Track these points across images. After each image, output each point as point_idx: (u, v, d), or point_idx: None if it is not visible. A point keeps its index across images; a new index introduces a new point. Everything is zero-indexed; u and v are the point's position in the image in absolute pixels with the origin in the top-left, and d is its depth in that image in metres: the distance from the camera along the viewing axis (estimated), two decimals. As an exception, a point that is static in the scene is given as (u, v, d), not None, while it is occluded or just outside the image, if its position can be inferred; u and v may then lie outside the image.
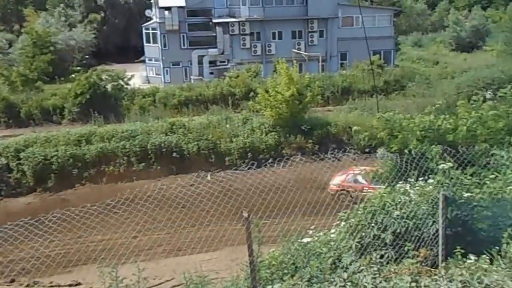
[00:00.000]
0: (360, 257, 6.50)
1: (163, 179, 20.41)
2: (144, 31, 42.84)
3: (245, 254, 5.99)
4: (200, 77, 39.20)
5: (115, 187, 20.07)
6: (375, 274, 5.77)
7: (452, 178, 7.34)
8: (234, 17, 40.72)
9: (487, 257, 5.92)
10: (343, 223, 7.32)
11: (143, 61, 44.62)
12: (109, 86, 31.07)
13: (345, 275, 5.88)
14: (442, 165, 7.64)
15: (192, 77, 39.85)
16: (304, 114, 24.69)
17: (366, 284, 5.59)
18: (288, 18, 41.10)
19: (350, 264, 6.30)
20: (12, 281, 12.37)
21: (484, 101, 11.88)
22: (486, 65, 33.63)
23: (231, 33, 40.67)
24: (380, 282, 5.59)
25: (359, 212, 7.06)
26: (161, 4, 39.40)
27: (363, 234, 6.74)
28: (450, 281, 5.36)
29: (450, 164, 7.67)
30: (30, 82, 33.58)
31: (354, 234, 6.81)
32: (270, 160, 16.77)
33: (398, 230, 6.58)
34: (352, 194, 13.32)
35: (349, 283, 5.70)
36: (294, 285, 6.07)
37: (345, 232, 7.09)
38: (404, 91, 33.14)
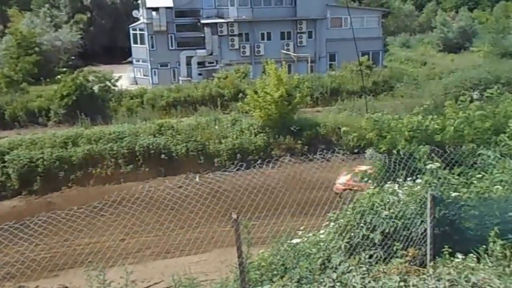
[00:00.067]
0: (349, 257, 6.52)
1: (152, 181, 20.28)
2: (131, 31, 42.56)
3: (235, 255, 5.97)
4: (189, 78, 39.04)
5: (102, 190, 19.90)
6: (364, 274, 5.79)
7: (439, 178, 7.38)
8: (222, 17, 40.65)
9: (474, 256, 5.98)
10: (332, 223, 7.33)
11: (131, 62, 44.33)
12: (96, 88, 30.80)
13: (334, 275, 5.90)
14: (430, 165, 7.68)
15: (180, 78, 39.68)
16: (293, 115, 24.73)
17: (355, 284, 5.60)
18: (277, 19, 41.15)
19: (340, 265, 6.32)
20: (-3, 285, 12.17)
21: (471, 101, 11.99)
22: (473, 65, 34.04)
23: (219, 33, 40.60)
24: (369, 282, 5.61)
25: (348, 212, 7.08)
26: (148, 5, 39.16)
27: (352, 234, 6.75)
28: (438, 280, 5.41)
29: (437, 164, 7.72)
30: (15, 83, 33.19)
31: (343, 234, 6.82)
32: (259, 161, 16.78)
33: (386, 230, 6.60)
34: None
35: (338, 283, 5.71)
36: (283, 286, 6.06)
37: (334, 232, 7.10)
38: (392, 92, 33.40)
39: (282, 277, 6.43)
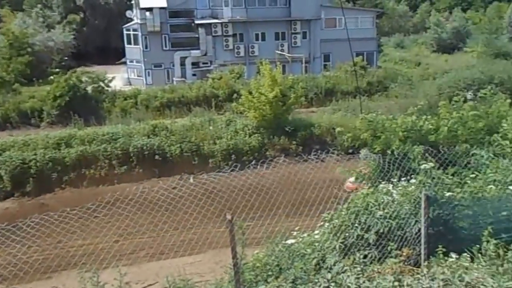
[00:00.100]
0: (343, 258, 6.52)
1: (146, 182, 20.20)
2: (125, 32, 42.39)
3: (229, 256, 5.96)
4: (183, 79, 38.95)
5: (96, 191, 19.83)
6: (358, 274, 5.79)
7: (433, 178, 7.40)
8: (216, 18, 40.60)
9: (468, 255, 6.00)
10: (326, 224, 7.33)
11: (124, 63, 44.15)
12: (89, 88, 30.64)
13: (329, 275, 5.89)
14: (424, 165, 7.70)
15: (174, 78, 39.58)
16: (288, 116, 24.74)
17: (349, 284, 5.60)
18: (271, 19, 41.16)
19: (334, 265, 6.32)
20: (-11, 288, 12.07)
21: (465, 101, 12.03)
22: (466, 66, 34.21)
23: (213, 34, 40.54)
24: (364, 282, 5.61)
25: (342, 212, 7.08)
26: (142, 5, 39.03)
27: (347, 234, 6.76)
28: (432, 280, 5.42)
29: (431, 164, 7.74)
30: (7, 84, 32.95)
31: (338, 234, 6.82)
32: (253, 162, 16.75)
33: (381, 230, 6.61)
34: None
35: (332, 284, 5.71)
36: (278, 286, 6.05)
37: (329, 232, 7.10)
38: (387, 92, 33.53)
39: (277, 277, 6.42)
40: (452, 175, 7.97)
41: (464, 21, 61.21)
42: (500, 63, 33.71)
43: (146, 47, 40.25)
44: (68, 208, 7.77)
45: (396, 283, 5.46)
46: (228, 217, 5.88)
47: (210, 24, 40.24)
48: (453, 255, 6.07)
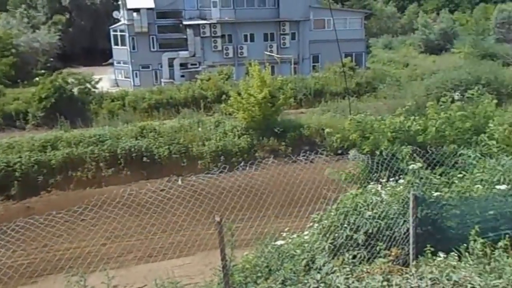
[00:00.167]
0: (333, 258, 6.53)
1: (134, 184, 20.01)
2: (112, 33, 42.07)
3: (219, 258, 5.94)
4: (171, 80, 38.77)
5: (83, 194, 19.61)
6: (347, 275, 5.81)
7: (422, 178, 7.45)
8: (205, 19, 40.50)
9: (456, 254, 6.04)
10: (316, 224, 7.33)
11: (111, 64, 43.81)
12: (75, 90, 30.27)
13: (318, 276, 5.91)
14: (412, 165, 7.74)
15: (162, 80, 39.39)
16: (277, 117, 24.74)
17: (339, 285, 5.62)
18: (260, 20, 41.18)
19: (324, 265, 6.33)
20: (-28, 294, 11.85)
21: (452, 102, 12.14)
22: (454, 67, 34.51)
23: (202, 35, 40.43)
24: (353, 282, 5.63)
25: (331, 213, 7.09)
26: (129, 6, 38.76)
27: (336, 235, 6.76)
28: (421, 279, 5.45)
29: (419, 164, 7.79)
30: (-9, 86, 32.48)
31: (327, 235, 6.83)
32: (242, 163, 16.71)
33: (370, 230, 6.63)
34: None
35: (322, 284, 5.72)
36: (268, 288, 6.03)
37: (318, 233, 7.11)
38: (375, 93, 33.71)
39: (266, 279, 6.40)
40: (440, 175, 8.03)
41: (451, 22, 61.81)
42: (487, 64, 34.09)
43: (134, 48, 39.99)
44: (54, 211, 7.65)
45: (385, 283, 5.49)
46: (217, 218, 5.86)
47: (198, 25, 40.12)
48: (441, 254, 6.12)
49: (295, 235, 7.83)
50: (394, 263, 6.25)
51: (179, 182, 18.47)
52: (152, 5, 39.06)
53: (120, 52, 41.38)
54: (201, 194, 9.04)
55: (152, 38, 39.99)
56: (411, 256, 6.49)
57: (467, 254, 6.08)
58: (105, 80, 38.93)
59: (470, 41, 48.78)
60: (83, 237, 11.30)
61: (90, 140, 22.14)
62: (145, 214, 9.15)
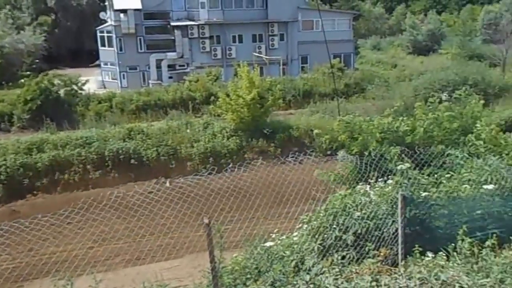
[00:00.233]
0: (322, 259, 6.53)
1: (121, 187, 19.86)
2: (98, 34, 41.76)
3: (208, 260, 5.90)
4: (159, 82, 38.57)
5: (70, 196, 19.40)
6: (337, 275, 5.80)
7: (410, 178, 7.48)
8: (193, 20, 40.38)
9: (444, 254, 6.06)
10: (305, 225, 7.32)
11: (98, 66, 43.48)
12: (62, 92, 29.94)
13: (307, 277, 5.89)
14: (400, 165, 7.77)
15: (150, 81, 39.17)
16: (266, 118, 24.72)
17: (328, 285, 5.60)
18: (248, 21, 41.18)
19: (313, 266, 6.32)
20: (-43, 299, 11.64)
21: (440, 102, 12.22)
22: (441, 67, 34.81)
23: (190, 36, 40.30)
24: (342, 283, 5.62)
25: (320, 214, 7.08)
26: (116, 7, 38.49)
27: (325, 236, 6.76)
28: (409, 279, 5.46)
29: (408, 165, 7.82)
30: (-26, 88, 32.01)
31: (316, 236, 6.82)
32: (231, 165, 16.66)
33: (359, 231, 6.64)
34: None
35: (311, 285, 5.71)
36: (257, 289, 5.99)
37: (307, 234, 7.10)
38: (364, 94, 33.88)
39: (256, 280, 6.37)
40: (428, 175, 8.07)
41: (439, 23, 62.39)
42: (474, 64, 34.49)
43: (121, 50, 39.72)
44: (40, 214, 7.53)
45: (373, 283, 5.48)
46: (206, 220, 5.82)
47: (186, 26, 40.00)
48: (430, 254, 6.14)
49: (284, 236, 7.81)
50: (383, 263, 6.26)
51: (167, 184, 18.36)
52: (139, 6, 38.84)
53: (107, 53, 41.06)
54: (190, 196, 8.97)
55: (140, 39, 39.75)
56: (399, 256, 6.50)
57: (455, 253, 6.11)
58: (92, 81, 38.51)
59: (457, 42, 49.30)
60: (70, 240, 11.15)
61: (77, 142, 21.92)
62: (133, 216, 9.05)
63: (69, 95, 30.28)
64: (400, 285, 5.38)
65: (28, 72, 39.68)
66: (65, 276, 6.25)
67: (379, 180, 7.95)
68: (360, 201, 7.01)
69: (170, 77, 39.29)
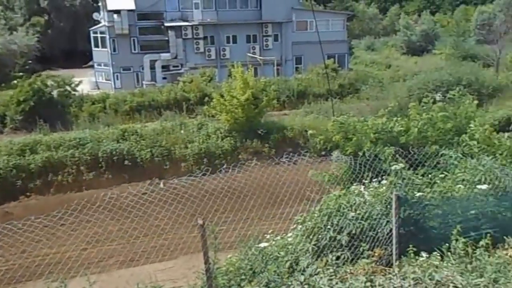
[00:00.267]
0: (316, 260, 6.52)
1: (115, 188, 19.78)
2: (92, 35, 41.58)
3: (202, 261, 5.87)
4: (153, 82, 38.47)
5: (63, 198, 19.29)
6: (331, 276, 5.80)
7: (404, 179, 7.48)
8: (187, 20, 40.31)
9: (438, 254, 6.07)
10: (299, 226, 7.31)
11: (92, 66, 43.30)
12: (55, 93, 29.77)
13: (302, 278, 5.89)
14: (394, 166, 7.77)
15: (144, 82, 39.04)
16: (260, 119, 24.70)
17: (322, 286, 5.60)
18: (242, 22, 41.18)
19: (307, 267, 6.32)
20: (-51, 302, 11.53)
21: (434, 103, 12.26)
22: (435, 68, 35.00)
23: (184, 37, 40.23)
24: (336, 283, 5.62)
25: (315, 214, 7.07)
26: (109, 7, 38.35)
27: (320, 236, 6.75)
28: (404, 279, 5.46)
29: (402, 165, 7.82)
30: (-33, 89, 31.77)
31: (311, 237, 6.81)
32: (226, 165, 16.65)
33: (353, 231, 6.63)
34: None
35: (306, 286, 5.70)
36: (251, 290, 5.98)
37: (301, 235, 7.09)
38: (358, 94, 33.94)
39: (250, 281, 6.35)
40: (422, 175, 8.09)
41: (433, 23, 62.70)
42: (468, 65, 34.70)
43: (114, 50, 39.56)
44: (33, 216, 7.48)
45: (368, 284, 5.48)
46: (200, 221, 5.80)
47: (180, 26, 39.92)
48: (424, 254, 6.15)
49: (278, 237, 7.80)
50: (377, 263, 6.26)
51: (161, 185, 18.29)
52: (133, 7, 38.72)
53: (100, 54, 40.89)
54: (184, 197, 8.93)
55: (133, 40, 39.62)
56: (394, 256, 6.51)
57: (449, 253, 6.12)
58: (85, 82, 38.42)
59: (451, 43, 49.56)
60: (63, 242, 11.08)
61: (70, 144, 21.80)
62: (126, 218, 9.00)
63: (63, 96, 30.12)
64: (395, 285, 5.38)
65: (21, 73, 39.50)
66: (58, 278, 6.22)
67: (374, 180, 7.95)
68: (354, 202, 7.00)
69: (164, 78, 39.20)
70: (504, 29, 40.47)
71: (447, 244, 6.23)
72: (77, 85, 31.83)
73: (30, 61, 45.77)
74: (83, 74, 41.42)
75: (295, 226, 7.53)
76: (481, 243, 6.12)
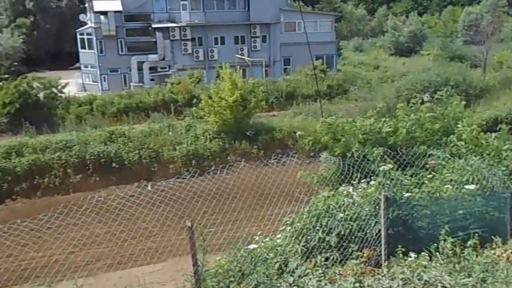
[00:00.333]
0: (305, 261, 6.51)
1: (103, 190, 19.63)
2: (78, 36, 41.19)
3: (191, 264, 5.80)
4: (141, 84, 38.22)
5: (50, 201, 19.08)
6: (320, 277, 5.78)
7: (392, 179, 7.49)
8: (174, 22, 40.14)
9: (427, 254, 6.08)
10: (288, 227, 7.28)
11: (79, 68, 42.91)
12: (41, 95, 29.45)
13: (291, 279, 5.87)
14: (383, 166, 7.78)
15: (132, 84, 38.78)
16: (249, 120, 24.68)
17: (311, 287, 5.56)
18: (230, 23, 41.12)
19: (296, 268, 6.31)
20: None
21: (422, 103, 12.35)
22: (423, 69, 35.26)
23: (171, 38, 40.05)
24: (325, 284, 5.60)
25: (304, 216, 7.05)
26: (96, 9, 38.05)
27: (308, 237, 6.73)
28: (392, 279, 5.45)
29: (390, 166, 7.85)
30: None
31: (300, 238, 6.79)
32: (214, 167, 16.58)
33: (342, 232, 6.63)
34: None
35: (295, 287, 5.65)
36: (240, 292, 5.94)
37: (290, 236, 7.06)
38: (346, 95, 34.06)
39: (239, 283, 6.31)
40: (411, 176, 8.11)
41: (420, 24, 63.25)
42: (455, 65, 35.07)
43: (101, 52, 39.24)
44: (19, 219, 7.35)
45: (357, 284, 5.46)
46: (188, 224, 5.74)
47: (167, 28, 39.73)
48: (412, 254, 6.16)
49: (267, 239, 7.78)
50: (366, 264, 6.25)
51: (149, 188, 18.17)
52: (120, 8, 38.45)
53: (87, 55, 40.53)
54: (172, 199, 8.86)
55: (121, 41, 39.34)
56: (383, 257, 6.51)
57: (437, 253, 6.13)
58: (72, 84, 38.04)
59: (438, 43, 49.98)
60: (50, 245, 10.93)
61: (57, 146, 21.61)
62: (114, 220, 8.90)
63: (49, 98, 29.80)
64: (383, 286, 5.37)
65: (6, 75, 38.76)
66: (44, 282, 6.15)
67: (362, 181, 7.95)
68: (343, 203, 7.00)
69: (152, 80, 38.97)
70: (491, 30, 40.93)
71: (435, 244, 6.24)
72: (63, 87, 31.50)
73: (15, 63, 45.14)
74: (70, 76, 41.03)
75: (284, 227, 7.51)
76: (469, 243, 6.15)
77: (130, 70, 39.33)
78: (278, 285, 5.85)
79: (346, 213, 6.84)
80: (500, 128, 11.76)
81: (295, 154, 17.71)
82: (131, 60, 38.96)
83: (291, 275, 6.07)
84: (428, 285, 5.32)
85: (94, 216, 9.08)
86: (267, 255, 7.00)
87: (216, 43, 41.50)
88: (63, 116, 28.73)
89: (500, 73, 35.36)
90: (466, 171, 7.66)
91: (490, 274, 5.49)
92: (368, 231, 6.69)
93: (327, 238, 6.61)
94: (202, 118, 24.92)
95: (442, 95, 12.92)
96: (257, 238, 7.88)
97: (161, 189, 8.36)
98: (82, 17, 42.41)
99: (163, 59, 39.81)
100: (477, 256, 5.98)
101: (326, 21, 45.69)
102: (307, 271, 6.05)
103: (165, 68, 39.94)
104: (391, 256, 6.39)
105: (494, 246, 6.43)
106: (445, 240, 6.21)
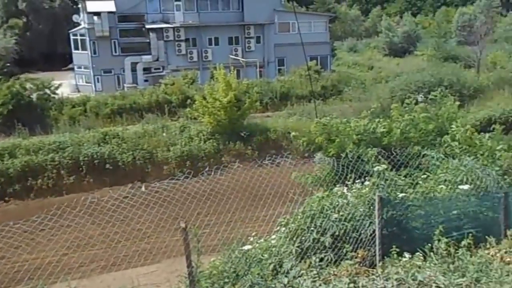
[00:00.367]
0: (300, 262, 6.50)
1: (96, 192, 19.56)
2: (71, 37, 41.02)
3: (185, 265, 5.78)
4: (134, 85, 38.08)
5: (43, 203, 18.98)
6: (314, 278, 5.77)
7: (387, 180, 7.50)
8: (168, 22, 40.05)
9: (421, 254, 6.08)
10: (283, 228, 7.27)
11: (72, 69, 42.71)
12: (34, 96, 29.31)
13: (285, 280, 5.86)
14: (377, 167, 7.79)
15: (125, 85, 38.64)
16: (243, 121, 24.67)
17: (305, 288, 5.55)
18: (224, 24, 41.09)
19: (291, 269, 6.30)
20: None
21: (416, 104, 12.38)
22: (417, 69, 35.36)
23: (165, 39, 39.95)
24: (320, 285, 5.59)
25: (298, 216, 7.04)
26: (89, 9, 37.89)
27: (303, 238, 6.73)
28: (387, 280, 5.45)
29: (384, 166, 7.85)
30: None
31: (294, 239, 6.78)
32: (208, 168, 16.57)
33: (336, 233, 6.62)
34: None
35: (289, 288, 5.65)
36: (235, 294, 5.92)
37: (285, 237, 7.05)
38: (341, 96, 34.13)
39: (234, 284, 6.30)
40: (405, 176, 8.13)
41: (414, 25, 63.46)
42: (449, 66, 35.25)
43: (95, 53, 39.08)
44: (12, 221, 7.30)
45: (351, 285, 5.46)
46: (182, 225, 5.72)
47: (161, 28, 39.64)
48: (407, 254, 6.15)
49: (262, 240, 7.76)
50: (361, 264, 6.25)
51: (143, 189, 18.12)
52: (113, 9, 38.30)
53: (80, 56, 40.36)
54: (166, 200, 8.83)
55: (114, 42, 39.19)
56: (377, 257, 6.51)
57: (431, 253, 6.13)
58: (65, 85, 37.83)
59: (432, 44, 50.20)
60: (43, 247, 10.86)
61: (50, 147, 21.51)
62: (107, 222, 8.85)
63: (42, 99, 29.66)
64: (378, 286, 5.37)
65: (-2, 76, 38.60)
66: (38, 284, 6.08)
67: (356, 181, 7.96)
68: (337, 203, 7.00)
69: (146, 80, 38.85)
70: (484, 30, 41.14)
71: (429, 244, 6.24)
72: (56, 88, 31.34)
73: (8, 64, 44.82)
74: (63, 77, 40.83)
75: (278, 228, 7.49)
76: (463, 243, 6.15)
77: (123, 71, 39.19)
78: (273, 286, 5.84)
79: (341, 213, 6.84)
80: (493, 128, 11.80)
81: (290, 154, 17.71)
82: (124, 61, 38.82)
83: (286, 276, 6.06)
84: (422, 285, 5.33)
85: (88, 217, 9.03)
86: (262, 256, 6.99)
87: (210, 44, 41.46)
88: (56, 117, 28.60)
89: (494, 73, 35.56)
90: (460, 171, 7.68)
91: (484, 274, 5.50)
92: (362, 232, 6.69)
93: (322, 239, 6.61)
94: (196, 119, 24.89)
95: (436, 96, 12.97)
96: (251, 239, 7.86)
97: (155, 190, 8.34)
98: (75, 17, 42.21)
99: (157, 60, 39.71)
100: (471, 256, 5.99)
101: (320, 22, 45.75)
102: (302, 271, 6.04)
103: (159, 69, 39.83)
104: (385, 257, 6.39)
105: (488, 246, 6.44)
106: (439, 240, 6.21)
